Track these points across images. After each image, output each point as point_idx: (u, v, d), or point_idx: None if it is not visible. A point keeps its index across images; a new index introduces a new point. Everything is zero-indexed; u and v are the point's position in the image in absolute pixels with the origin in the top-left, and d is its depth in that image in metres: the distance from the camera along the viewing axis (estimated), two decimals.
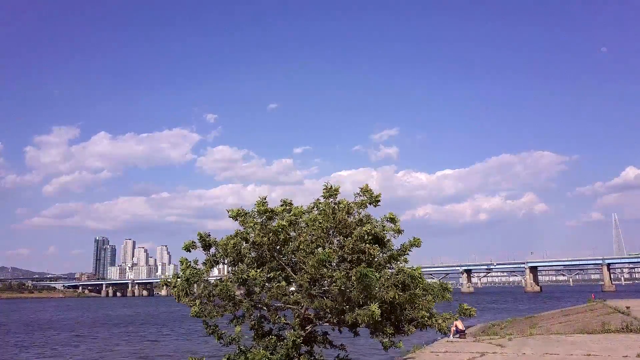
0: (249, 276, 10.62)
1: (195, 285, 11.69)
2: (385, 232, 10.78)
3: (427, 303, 10.58)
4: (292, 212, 10.74)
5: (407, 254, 11.17)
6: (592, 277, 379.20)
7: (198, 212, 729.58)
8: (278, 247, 10.70)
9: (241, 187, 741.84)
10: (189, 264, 11.86)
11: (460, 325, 23.51)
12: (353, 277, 9.49)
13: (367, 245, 9.82)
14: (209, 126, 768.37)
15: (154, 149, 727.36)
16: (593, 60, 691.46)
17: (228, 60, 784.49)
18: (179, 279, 11.59)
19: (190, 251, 12.45)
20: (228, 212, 11.21)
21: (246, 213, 11.28)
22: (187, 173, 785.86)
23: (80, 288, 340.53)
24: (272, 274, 10.80)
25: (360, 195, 10.88)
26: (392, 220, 10.65)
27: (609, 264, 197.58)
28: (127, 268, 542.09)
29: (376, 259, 10.36)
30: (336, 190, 10.76)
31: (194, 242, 12.14)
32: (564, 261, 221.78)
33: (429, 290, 11.16)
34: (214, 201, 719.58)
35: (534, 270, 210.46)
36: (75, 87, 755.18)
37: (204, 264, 12.11)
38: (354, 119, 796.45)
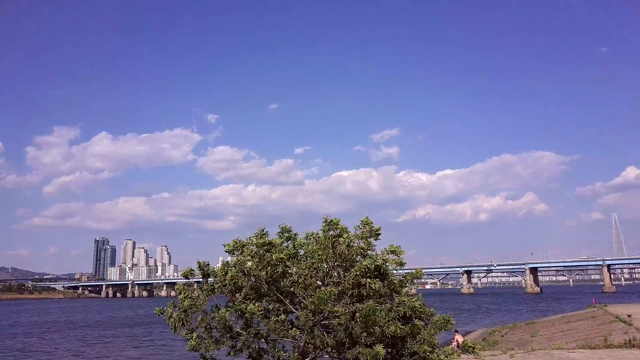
0: (246, 309, 10.41)
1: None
2: (386, 264, 10.58)
3: (430, 336, 10.36)
4: (290, 245, 10.53)
5: (408, 286, 11.00)
6: (592, 277, 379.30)
7: (198, 213, 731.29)
8: (276, 279, 10.48)
9: (242, 187, 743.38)
10: (187, 293, 11.66)
11: (461, 339, 23.30)
12: (357, 315, 9.33)
13: (368, 280, 9.64)
14: (209, 126, 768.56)
15: (154, 149, 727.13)
16: (593, 60, 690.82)
17: (229, 61, 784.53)
18: (175, 311, 11.42)
19: (188, 278, 12.28)
20: (224, 246, 11.05)
21: (244, 245, 11.08)
22: (188, 173, 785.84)
23: (80, 289, 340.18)
24: (270, 306, 10.61)
25: (361, 228, 10.69)
26: (394, 252, 10.46)
27: (609, 265, 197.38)
28: (127, 268, 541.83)
29: (377, 292, 10.15)
30: (336, 223, 10.56)
31: (193, 270, 12.02)
32: (564, 262, 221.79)
33: (432, 321, 10.96)
34: (215, 201, 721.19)
35: (534, 271, 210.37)
36: (76, 88, 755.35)
37: (202, 291, 11.91)
38: (355, 119, 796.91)
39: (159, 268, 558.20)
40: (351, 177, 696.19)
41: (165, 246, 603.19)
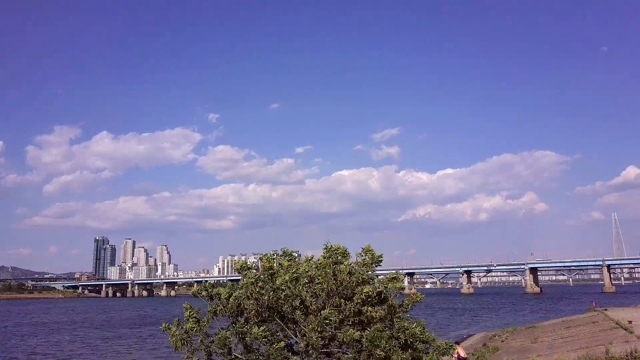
0: (249, 332, 10.41)
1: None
2: (387, 289, 10.57)
3: None
4: (294, 270, 10.49)
5: (409, 311, 10.98)
6: (592, 277, 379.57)
7: (199, 212, 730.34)
8: (279, 304, 10.48)
9: (242, 186, 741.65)
10: (192, 313, 11.69)
11: (462, 352, 23.26)
12: (364, 340, 9.35)
13: (369, 308, 9.63)
14: (210, 126, 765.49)
15: (155, 148, 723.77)
16: (593, 59, 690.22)
17: (230, 61, 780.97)
18: (177, 329, 11.47)
19: (196, 296, 12.31)
20: (234, 265, 11.10)
21: (249, 267, 11.12)
22: (189, 173, 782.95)
23: (80, 288, 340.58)
24: (270, 332, 10.60)
25: (362, 255, 10.70)
26: (395, 279, 10.45)
27: (609, 265, 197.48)
28: (127, 268, 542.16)
29: (378, 319, 10.14)
30: (336, 249, 10.53)
31: (199, 290, 12.10)
32: (564, 262, 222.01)
33: (433, 346, 10.94)
34: (215, 201, 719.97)
35: (534, 271, 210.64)
36: (77, 87, 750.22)
37: (207, 312, 11.95)
38: (356, 118, 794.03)
39: (159, 267, 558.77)
40: (352, 177, 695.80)
41: (165, 245, 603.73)
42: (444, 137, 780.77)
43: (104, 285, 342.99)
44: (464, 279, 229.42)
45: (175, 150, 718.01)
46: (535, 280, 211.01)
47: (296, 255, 12.38)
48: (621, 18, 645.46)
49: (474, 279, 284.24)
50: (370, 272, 10.94)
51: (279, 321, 10.66)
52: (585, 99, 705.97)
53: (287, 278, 10.39)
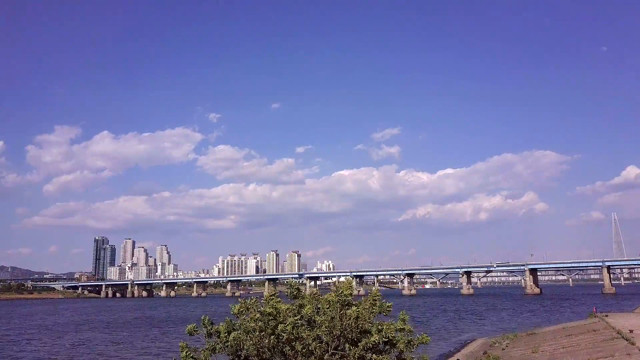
0: None
1: None
2: (395, 332, 10.40)
3: None
4: (297, 317, 10.28)
5: (413, 351, 10.82)
6: (592, 277, 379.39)
7: (199, 212, 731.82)
8: (280, 346, 10.31)
9: (242, 186, 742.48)
10: (189, 353, 11.53)
11: None
12: None
13: (374, 355, 9.47)
14: (211, 126, 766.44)
15: (156, 148, 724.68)
16: (593, 59, 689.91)
17: (232, 61, 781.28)
18: None
19: (192, 335, 12.16)
20: (231, 308, 10.91)
21: (248, 308, 10.92)
22: (189, 172, 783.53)
23: (80, 289, 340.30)
24: None
25: (372, 302, 10.54)
26: (403, 329, 10.27)
27: (609, 266, 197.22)
28: (127, 268, 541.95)
29: None
30: (347, 294, 10.36)
31: (197, 328, 11.93)
32: (563, 263, 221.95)
33: None
34: (215, 200, 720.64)
35: (533, 272, 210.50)
36: (78, 86, 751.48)
37: (203, 351, 11.78)
38: (356, 118, 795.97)
39: (159, 267, 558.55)
40: (352, 176, 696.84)
41: (165, 245, 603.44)
42: (444, 137, 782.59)
43: (103, 286, 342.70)
44: (463, 279, 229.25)
45: (176, 150, 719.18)
46: (535, 281, 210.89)
47: (298, 285, 12.20)
48: (621, 18, 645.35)
49: (473, 279, 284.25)
50: (380, 338, 10.70)
51: None
52: (585, 99, 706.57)
53: (288, 328, 10.22)
